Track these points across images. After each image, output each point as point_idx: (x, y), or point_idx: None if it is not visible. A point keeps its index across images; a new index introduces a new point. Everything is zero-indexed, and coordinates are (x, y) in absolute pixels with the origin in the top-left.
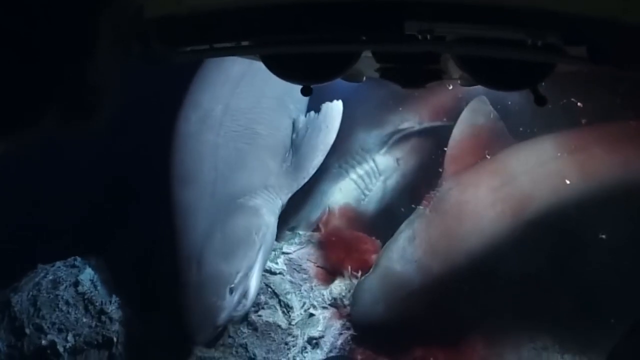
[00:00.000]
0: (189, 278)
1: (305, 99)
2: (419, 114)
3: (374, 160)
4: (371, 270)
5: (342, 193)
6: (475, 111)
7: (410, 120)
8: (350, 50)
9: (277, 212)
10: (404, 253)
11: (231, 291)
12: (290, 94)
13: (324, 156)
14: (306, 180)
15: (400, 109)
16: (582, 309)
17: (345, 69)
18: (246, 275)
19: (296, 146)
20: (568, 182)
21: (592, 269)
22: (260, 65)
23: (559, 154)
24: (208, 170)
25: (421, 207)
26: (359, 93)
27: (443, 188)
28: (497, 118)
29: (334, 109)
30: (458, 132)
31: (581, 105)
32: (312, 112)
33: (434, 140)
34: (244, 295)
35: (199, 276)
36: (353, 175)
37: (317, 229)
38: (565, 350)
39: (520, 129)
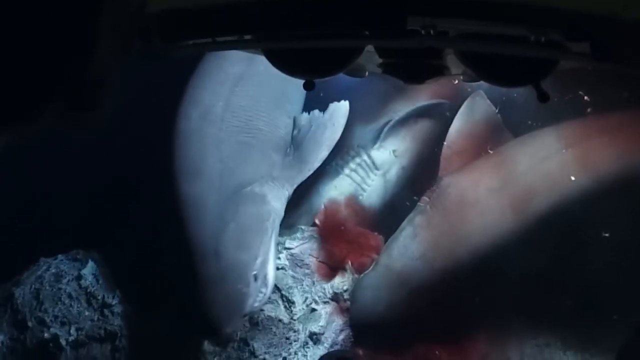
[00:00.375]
0: (207, 270)
1: (301, 102)
2: (412, 102)
3: (369, 155)
4: (371, 267)
5: (337, 190)
6: (474, 107)
7: (402, 110)
8: (352, 45)
9: (284, 200)
10: (405, 251)
11: (255, 278)
12: (286, 96)
13: (329, 151)
14: (311, 172)
15: (395, 101)
16: (584, 306)
17: (348, 64)
18: (264, 262)
19: (299, 141)
20: (573, 178)
21: (595, 266)
22: (257, 68)
23: (562, 149)
24: (213, 163)
25: (421, 203)
26: (354, 91)
27: (442, 184)
28: (495, 113)
29: (341, 108)
30: (456, 128)
31: (588, 99)
32: (317, 111)
33: (431, 129)
34: (264, 282)
35: (219, 267)
36: (347, 171)
37: (313, 224)
38: (567, 347)
39: (529, 122)
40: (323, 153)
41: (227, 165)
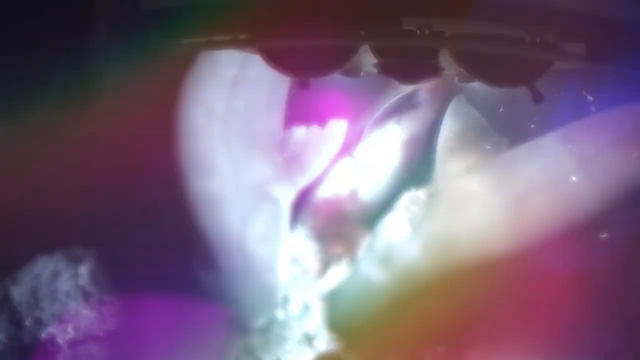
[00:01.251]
0: (233, 264)
1: (282, 109)
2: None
3: (356, 156)
4: (347, 275)
5: (328, 191)
6: (455, 113)
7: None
8: (348, 45)
9: (289, 202)
10: (390, 255)
11: (280, 270)
12: (274, 102)
13: (329, 159)
14: (313, 178)
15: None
16: (584, 308)
17: (344, 64)
18: (283, 256)
19: (299, 150)
20: (574, 178)
21: (595, 265)
22: (249, 73)
23: (563, 150)
24: (224, 161)
25: (402, 209)
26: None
27: (431, 192)
28: (477, 117)
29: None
30: (444, 135)
31: (591, 99)
32: (314, 124)
33: (414, 125)
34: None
35: (246, 261)
36: (338, 172)
37: (307, 222)
38: (565, 348)
39: (532, 126)
40: (324, 161)
41: (238, 164)
